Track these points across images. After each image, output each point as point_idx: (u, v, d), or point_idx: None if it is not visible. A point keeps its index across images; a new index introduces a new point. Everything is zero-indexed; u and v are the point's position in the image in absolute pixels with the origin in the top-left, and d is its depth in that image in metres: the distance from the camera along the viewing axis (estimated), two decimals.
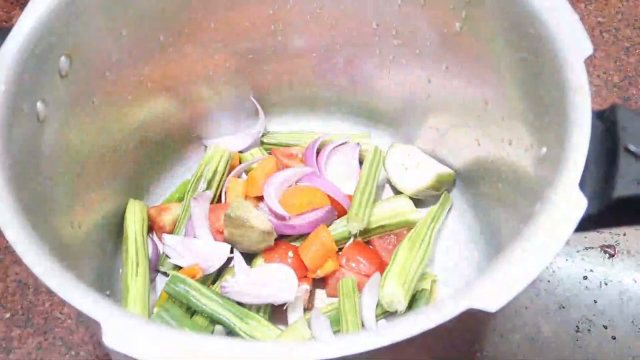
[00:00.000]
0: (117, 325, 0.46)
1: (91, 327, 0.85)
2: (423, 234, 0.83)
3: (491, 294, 0.46)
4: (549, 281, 0.89)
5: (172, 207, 0.89)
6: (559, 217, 0.50)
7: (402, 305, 0.78)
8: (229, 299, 0.79)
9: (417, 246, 0.81)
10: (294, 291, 0.79)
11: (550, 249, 0.48)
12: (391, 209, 0.86)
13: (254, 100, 0.95)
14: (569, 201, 0.51)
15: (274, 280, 0.79)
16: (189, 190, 0.89)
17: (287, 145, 0.95)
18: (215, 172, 0.90)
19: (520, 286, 0.46)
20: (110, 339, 0.45)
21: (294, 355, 0.45)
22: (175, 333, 0.46)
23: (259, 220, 0.81)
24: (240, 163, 0.94)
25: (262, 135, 0.97)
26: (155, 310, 0.80)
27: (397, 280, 0.78)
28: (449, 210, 0.89)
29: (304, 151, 0.92)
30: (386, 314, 0.82)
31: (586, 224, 0.51)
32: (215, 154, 0.91)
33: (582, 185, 0.52)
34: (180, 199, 0.91)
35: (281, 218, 0.84)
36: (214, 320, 0.79)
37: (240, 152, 0.96)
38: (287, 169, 0.89)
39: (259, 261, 0.84)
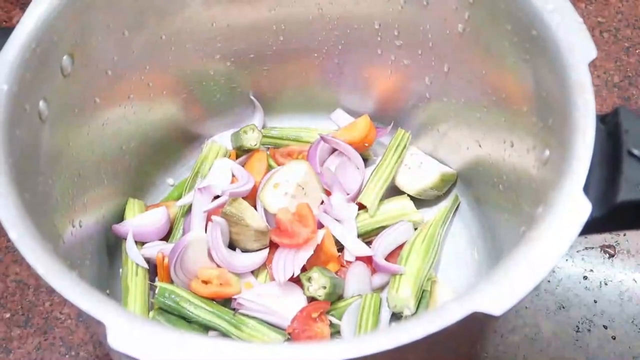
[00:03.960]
0: (122, 327, 0.46)
1: (91, 327, 0.85)
2: (435, 237, 0.83)
3: (495, 298, 0.46)
4: (549, 281, 0.89)
5: (170, 205, 0.89)
6: (563, 220, 0.50)
7: (411, 310, 0.78)
8: (223, 306, 0.79)
9: (431, 250, 0.82)
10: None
11: (554, 253, 0.48)
12: (392, 210, 0.86)
13: (252, 98, 0.95)
14: (573, 205, 0.51)
15: (286, 302, 0.79)
16: (186, 188, 0.89)
17: (287, 139, 0.95)
18: (211, 169, 0.89)
19: (524, 290, 0.46)
20: (115, 341, 0.45)
21: (295, 358, 0.45)
22: (180, 335, 0.46)
23: (255, 219, 0.81)
24: (236, 159, 0.94)
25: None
26: (151, 314, 0.80)
27: (413, 286, 0.79)
28: (455, 211, 0.89)
29: (305, 148, 0.92)
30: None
31: (589, 228, 0.51)
32: (211, 151, 0.91)
33: (585, 188, 0.52)
34: (179, 198, 0.91)
35: None
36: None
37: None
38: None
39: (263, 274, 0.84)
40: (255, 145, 0.91)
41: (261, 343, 0.75)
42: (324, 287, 0.78)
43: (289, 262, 0.78)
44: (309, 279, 0.78)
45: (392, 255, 0.84)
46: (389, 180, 0.87)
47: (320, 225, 0.83)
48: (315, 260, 0.80)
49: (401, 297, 0.79)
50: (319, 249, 0.79)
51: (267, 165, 0.90)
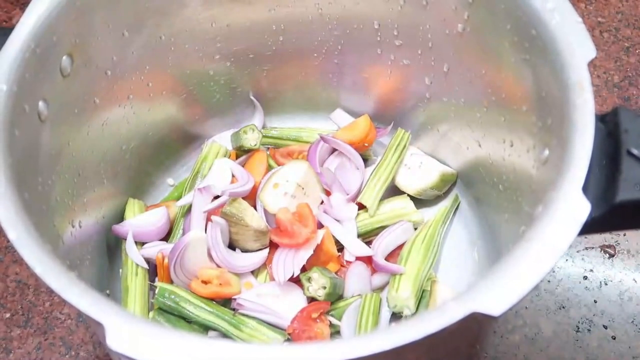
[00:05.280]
0: (121, 328, 0.46)
1: (91, 327, 0.85)
2: (435, 237, 0.83)
3: (494, 298, 0.46)
4: (549, 281, 0.89)
5: (170, 205, 0.89)
6: (562, 220, 0.50)
7: (410, 310, 0.78)
8: (222, 306, 0.79)
9: (431, 250, 0.82)
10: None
11: (553, 253, 0.48)
12: (391, 210, 0.86)
13: (252, 98, 0.95)
14: (572, 204, 0.51)
15: (286, 302, 0.79)
16: (185, 188, 0.89)
17: (287, 139, 0.95)
18: (211, 169, 0.89)
19: (523, 291, 0.46)
20: (114, 342, 0.45)
21: (295, 358, 0.45)
22: (180, 336, 0.46)
23: (254, 219, 0.81)
24: (236, 159, 0.94)
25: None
26: (151, 315, 0.80)
27: (413, 286, 0.78)
28: (455, 210, 0.89)
29: (305, 148, 0.92)
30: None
31: (589, 228, 0.51)
32: (211, 151, 0.91)
33: (585, 188, 0.52)
34: (179, 198, 0.91)
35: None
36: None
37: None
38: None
39: (263, 274, 0.83)
40: (255, 145, 0.91)
41: (261, 343, 0.75)
42: (324, 287, 0.78)
43: (288, 262, 0.78)
44: (309, 279, 0.78)
45: (392, 255, 0.84)
46: (389, 180, 0.87)
47: (321, 225, 0.83)
48: (315, 260, 0.80)
49: (401, 297, 0.79)
50: (318, 249, 0.79)
51: (267, 165, 0.90)
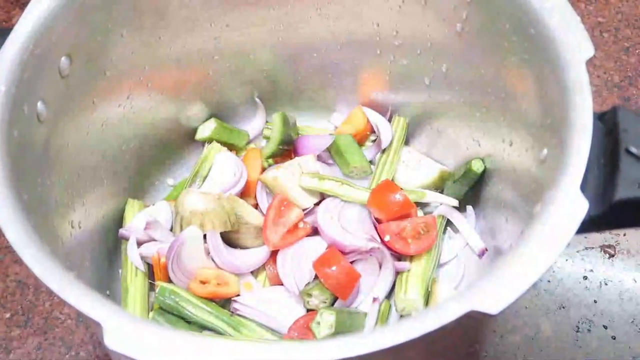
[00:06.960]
0: (118, 327, 0.46)
1: (91, 327, 0.85)
2: (437, 237, 0.83)
3: (492, 297, 0.46)
4: (549, 281, 0.89)
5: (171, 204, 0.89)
6: (560, 219, 0.50)
7: (418, 312, 0.78)
8: (222, 307, 0.80)
9: (433, 250, 0.82)
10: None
11: (551, 251, 0.48)
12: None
13: (257, 99, 0.95)
14: (571, 203, 0.51)
15: (285, 308, 0.80)
16: (185, 188, 0.89)
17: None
18: (211, 170, 0.90)
19: (521, 289, 0.46)
20: (112, 340, 0.45)
21: (294, 356, 0.45)
22: (177, 335, 0.46)
23: (253, 216, 0.81)
24: None
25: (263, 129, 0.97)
26: (151, 315, 0.80)
27: (421, 287, 0.78)
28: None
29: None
30: None
31: (587, 226, 0.51)
32: (211, 152, 0.91)
33: (583, 187, 0.52)
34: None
35: None
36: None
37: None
38: None
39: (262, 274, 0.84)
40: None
41: (257, 341, 0.75)
42: (324, 302, 0.78)
43: (296, 269, 0.79)
44: (310, 295, 0.78)
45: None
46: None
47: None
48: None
49: (410, 298, 0.78)
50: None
51: (262, 162, 0.91)
